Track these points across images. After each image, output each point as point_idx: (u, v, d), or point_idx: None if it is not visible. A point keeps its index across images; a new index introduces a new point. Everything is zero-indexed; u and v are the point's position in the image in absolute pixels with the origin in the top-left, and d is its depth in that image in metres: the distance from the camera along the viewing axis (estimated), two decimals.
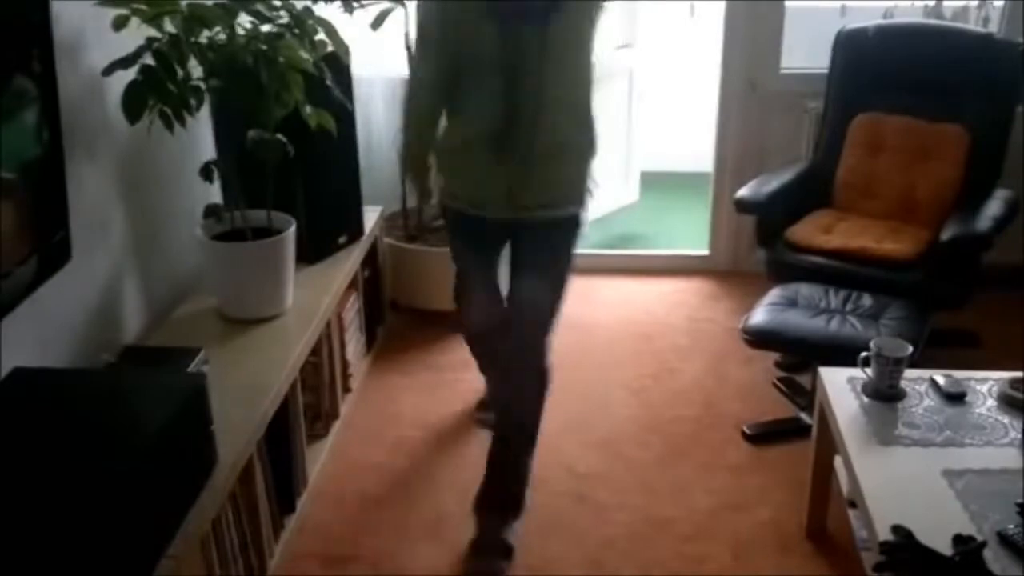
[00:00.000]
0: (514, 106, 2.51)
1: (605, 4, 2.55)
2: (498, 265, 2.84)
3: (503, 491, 2.77)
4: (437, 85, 2.67)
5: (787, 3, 4.11)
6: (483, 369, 3.19)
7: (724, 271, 4.47)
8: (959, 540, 1.92)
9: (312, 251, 3.24)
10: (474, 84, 2.58)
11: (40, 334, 2.27)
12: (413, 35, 3.13)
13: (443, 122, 2.73)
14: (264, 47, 2.58)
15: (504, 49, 2.48)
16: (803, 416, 3.23)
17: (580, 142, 2.67)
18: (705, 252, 4.55)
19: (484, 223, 2.73)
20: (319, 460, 3.04)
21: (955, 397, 2.51)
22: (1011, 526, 1.97)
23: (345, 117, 3.10)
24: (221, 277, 2.90)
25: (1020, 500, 2.01)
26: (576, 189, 2.70)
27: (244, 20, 2.62)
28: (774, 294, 3.30)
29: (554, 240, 2.71)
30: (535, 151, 2.56)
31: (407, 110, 2.94)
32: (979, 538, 1.93)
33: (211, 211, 2.82)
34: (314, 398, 3.06)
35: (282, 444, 2.68)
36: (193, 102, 2.48)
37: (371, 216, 3.65)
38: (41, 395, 2.04)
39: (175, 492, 2.00)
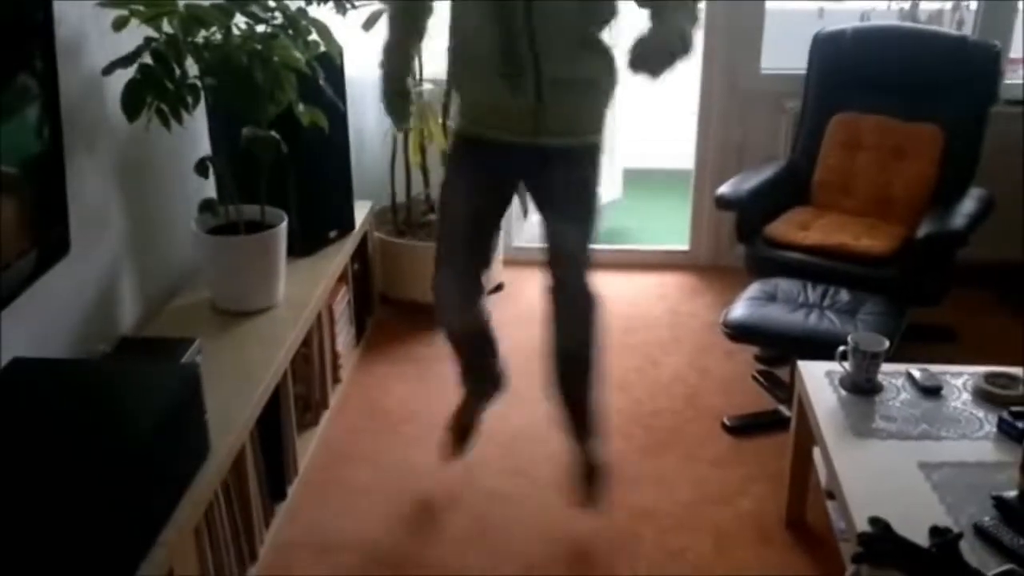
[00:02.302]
0: (512, 32, 2.45)
1: None
2: (495, 234, 2.81)
3: (588, 418, 2.81)
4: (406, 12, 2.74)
5: (767, 5, 4.17)
6: (468, 369, 3.00)
7: (705, 266, 4.53)
8: (936, 532, 1.93)
9: (304, 245, 3.28)
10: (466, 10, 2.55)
11: (39, 325, 2.30)
12: None
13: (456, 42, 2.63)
14: (259, 47, 2.62)
15: None
16: (782, 409, 3.27)
17: (595, 75, 2.67)
18: (686, 247, 4.61)
19: (502, 153, 2.61)
20: (309, 449, 3.07)
21: (931, 391, 2.53)
22: (987, 518, 1.99)
23: (337, 115, 3.14)
24: (215, 270, 2.94)
25: (995, 493, 2.04)
26: (595, 119, 2.68)
27: (240, 20, 2.65)
28: (754, 289, 3.32)
29: (580, 170, 2.65)
30: (545, 83, 2.50)
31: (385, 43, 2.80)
32: (955, 530, 1.94)
33: (206, 206, 2.84)
34: (305, 388, 3.10)
35: (273, 433, 2.72)
36: (190, 100, 2.52)
37: (361, 211, 3.69)
38: (39, 385, 2.06)
39: (169, 480, 2.02)
